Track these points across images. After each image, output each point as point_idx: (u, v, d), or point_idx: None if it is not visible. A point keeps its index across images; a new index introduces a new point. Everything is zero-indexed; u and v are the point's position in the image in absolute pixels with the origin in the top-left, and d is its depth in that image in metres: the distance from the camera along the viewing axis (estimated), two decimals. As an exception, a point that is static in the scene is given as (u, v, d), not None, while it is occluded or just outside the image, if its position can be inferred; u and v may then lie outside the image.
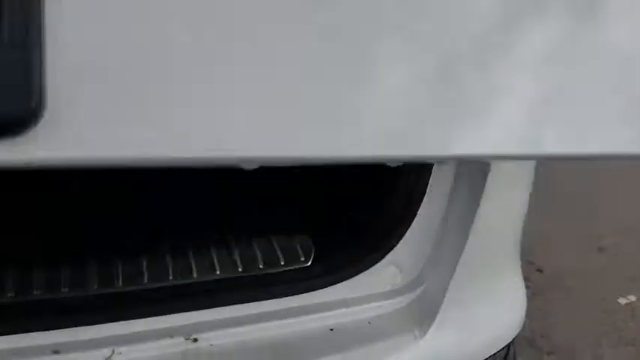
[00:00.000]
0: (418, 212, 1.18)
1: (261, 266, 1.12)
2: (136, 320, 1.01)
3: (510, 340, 1.29)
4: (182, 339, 1.02)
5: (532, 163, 1.24)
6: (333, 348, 1.09)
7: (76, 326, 0.96)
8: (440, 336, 1.15)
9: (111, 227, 1.20)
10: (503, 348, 1.30)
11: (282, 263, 1.13)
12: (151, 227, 1.21)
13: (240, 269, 1.10)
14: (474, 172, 1.14)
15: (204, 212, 1.30)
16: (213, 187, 1.31)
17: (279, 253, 1.14)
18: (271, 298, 1.09)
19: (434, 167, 1.18)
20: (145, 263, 1.06)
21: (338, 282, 1.13)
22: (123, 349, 0.98)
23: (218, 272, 1.08)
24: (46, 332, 0.95)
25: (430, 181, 1.18)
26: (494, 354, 1.26)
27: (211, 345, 1.04)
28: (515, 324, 1.30)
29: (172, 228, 1.20)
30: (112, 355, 0.98)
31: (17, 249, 1.08)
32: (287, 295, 1.11)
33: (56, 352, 0.95)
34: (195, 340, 1.03)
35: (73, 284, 1.00)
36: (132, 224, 1.23)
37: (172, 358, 1.01)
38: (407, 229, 1.19)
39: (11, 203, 1.21)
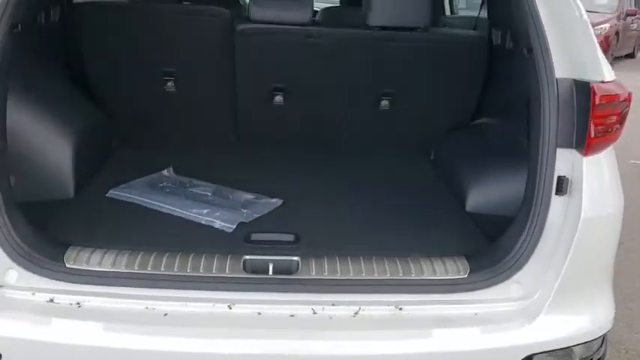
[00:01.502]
0: (536, 249, 2.02)
1: (437, 274, 2.04)
2: (368, 294, 1.99)
3: (595, 337, 2.05)
4: (393, 307, 1.98)
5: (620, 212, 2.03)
6: (474, 323, 1.97)
7: (344, 293, 1.97)
8: (539, 328, 1.97)
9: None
10: (593, 341, 2.05)
11: (449, 274, 2.04)
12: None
13: (424, 275, 2.03)
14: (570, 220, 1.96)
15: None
16: None
17: (448, 268, 2.05)
18: (441, 293, 2.01)
19: (545, 226, 2.02)
20: (351, 264, 2.04)
21: (480, 289, 2.01)
22: (365, 307, 1.96)
23: (413, 275, 2.02)
24: (326, 294, 1.97)
25: (543, 232, 2.02)
26: (585, 343, 2.03)
27: (409, 313, 1.98)
28: (601, 325, 2.06)
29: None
30: (359, 310, 1.96)
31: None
32: (450, 292, 2.02)
33: (333, 304, 1.96)
34: (401, 309, 1.98)
35: (343, 273, 2.02)
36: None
37: (387, 317, 1.96)
38: (527, 260, 2.03)
39: None
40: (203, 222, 2.33)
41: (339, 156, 3.17)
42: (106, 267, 1.98)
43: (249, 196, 2.58)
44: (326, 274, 2.02)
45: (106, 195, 2.56)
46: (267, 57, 2.99)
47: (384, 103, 3.14)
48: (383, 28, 2.88)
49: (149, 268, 1.98)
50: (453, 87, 3.11)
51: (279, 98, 3.10)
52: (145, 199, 2.50)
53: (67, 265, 1.97)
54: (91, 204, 2.48)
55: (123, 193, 2.55)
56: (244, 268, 2.01)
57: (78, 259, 1.99)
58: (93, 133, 2.80)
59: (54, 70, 2.83)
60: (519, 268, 2.03)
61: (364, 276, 2.03)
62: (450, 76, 3.07)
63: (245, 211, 2.43)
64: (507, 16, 2.74)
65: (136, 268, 1.98)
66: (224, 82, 3.11)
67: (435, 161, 3.20)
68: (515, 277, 2.03)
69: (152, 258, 2.01)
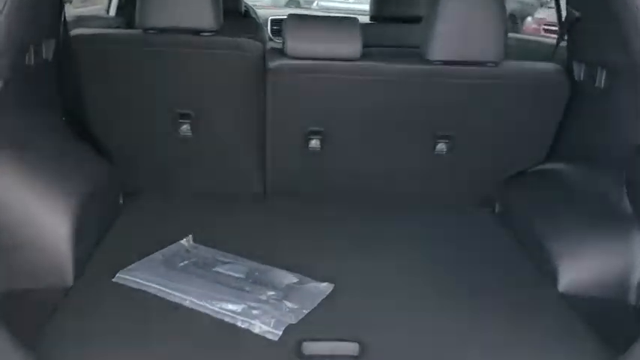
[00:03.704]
0: None
1: None
2: None
3: None
4: None
5: None
6: None
7: None
8: None
9: None
10: None
11: None
12: None
13: None
14: None
15: None
16: None
17: None
18: None
19: None
20: None
21: None
22: None
23: None
24: None
25: None
26: None
27: None
28: None
29: None
30: None
31: None
32: None
33: None
34: None
35: None
36: None
37: None
38: None
39: None
40: (239, 324, 1.82)
41: (388, 212, 2.67)
42: None
43: (291, 279, 2.07)
44: None
45: (113, 280, 2.05)
46: (303, 96, 2.48)
47: (441, 146, 2.63)
48: (445, 62, 2.38)
49: None
50: (524, 128, 2.61)
51: (315, 142, 2.60)
52: (161, 287, 1.98)
53: None
54: (94, 297, 1.96)
55: (134, 278, 2.04)
56: None
57: None
58: (96, 195, 2.29)
59: (47, 118, 2.32)
60: None
61: None
62: (522, 116, 2.57)
63: (290, 305, 1.91)
64: (604, 51, 2.24)
65: None
66: (250, 125, 2.61)
67: (503, 215, 2.70)
68: None
69: None
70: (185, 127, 2.61)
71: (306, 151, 2.61)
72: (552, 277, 2.16)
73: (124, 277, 2.05)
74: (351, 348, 1.73)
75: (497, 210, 2.75)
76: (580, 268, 2.13)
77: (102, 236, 2.31)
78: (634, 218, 2.14)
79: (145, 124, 2.62)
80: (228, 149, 2.70)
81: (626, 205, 2.19)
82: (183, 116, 2.58)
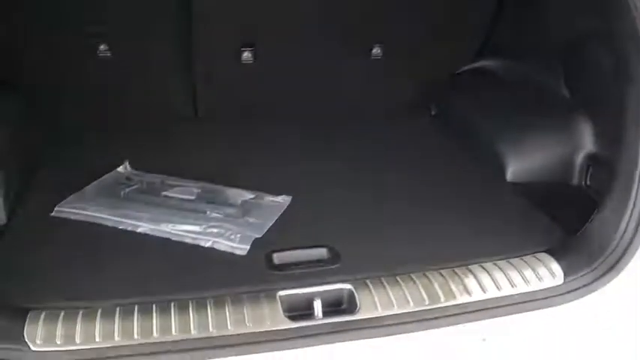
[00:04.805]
0: None
1: (531, 284, 1.59)
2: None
3: None
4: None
5: None
6: None
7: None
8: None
9: None
10: None
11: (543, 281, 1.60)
12: None
13: (518, 288, 1.58)
14: None
15: None
16: None
17: (539, 272, 1.61)
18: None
19: None
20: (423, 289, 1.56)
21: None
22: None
23: (503, 291, 1.56)
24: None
25: None
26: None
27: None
28: None
29: None
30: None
31: None
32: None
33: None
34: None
35: (417, 302, 1.53)
36: None
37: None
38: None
39: None
40: (202, 243, 1.73)
41: (327, 121, 2.60)
42: (88, 342, 1.37)
43: (246, 196, 1.99)
44: (396, 308, 1.50)
45: (52, 214, 1.88)
46: (233, 6, 2.32)
47: (376, 51, 2.57)
48: None
49: (155, 334, 1.39)
50: (457, 26, 2.59)
51: (247, 55, 2.46)
52: (109, 216, 1.84)
53: (34, 349, 1.34)
54: (34, 232, 1.80)
55: (75, 210, 1.88)
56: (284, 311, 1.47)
57: (47, 336, 1.36)
58: (16, 132, 2.07)
59: None
60: (625, 265, 1.62)
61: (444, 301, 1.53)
62: (454, 14, 2.54)
63: (251, 220, 1.84)
64: None
65: (136, 336, 1.38)
66: (175, 40, 2.42)
67: (441, 117, 2.71)
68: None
69: (157, 316, 1.42)
70: (103, 47, 2.39)
71: (239, 64, 2.47)
72: (500, 169, 2.20)
73: (63, 209, 1.88)
74: (323, 252, 1.69)
75: (433, 112, 2.76)
76: (526, 156, 2.19)
77: (29, 176, 2.10)
78: (572, 104, 2.21)
79: (54, 50, 2.36)
80: (153, 68, 2.50)
81: (565, 93, 2.25)
82: (99, 35, 2.35)
